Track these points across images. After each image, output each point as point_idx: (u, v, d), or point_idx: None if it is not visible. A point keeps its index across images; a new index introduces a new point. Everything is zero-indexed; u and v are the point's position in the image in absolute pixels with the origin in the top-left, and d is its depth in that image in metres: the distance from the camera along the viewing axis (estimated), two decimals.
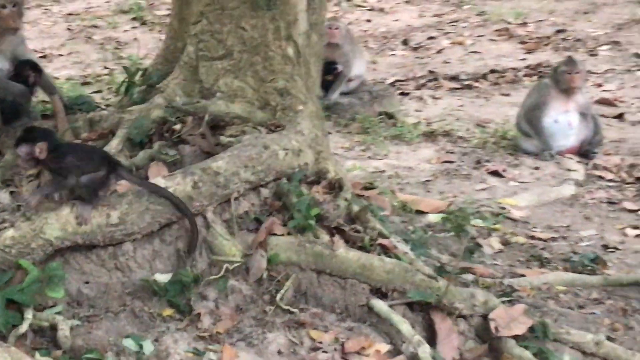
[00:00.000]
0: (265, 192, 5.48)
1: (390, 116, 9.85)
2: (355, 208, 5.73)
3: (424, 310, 5.17)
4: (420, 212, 7.34)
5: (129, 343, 4.70)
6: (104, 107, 6.88)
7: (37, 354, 4.53)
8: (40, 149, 4.84)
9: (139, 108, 6.04)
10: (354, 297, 5.13)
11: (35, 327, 4.71)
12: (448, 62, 12.77)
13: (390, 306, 5.08)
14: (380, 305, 5.05)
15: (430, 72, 12.15)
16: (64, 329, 4.64)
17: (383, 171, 8.49)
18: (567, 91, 8.80)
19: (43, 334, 4.74)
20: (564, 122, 8.90)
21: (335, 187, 5.85)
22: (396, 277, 5.11)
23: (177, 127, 5.90)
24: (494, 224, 7.17)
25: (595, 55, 12.62)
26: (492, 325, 5.06)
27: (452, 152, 8.99)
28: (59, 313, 4.80)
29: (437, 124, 9.82)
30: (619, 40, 13.25)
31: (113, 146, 5.80)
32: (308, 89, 6.12)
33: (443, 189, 8.09)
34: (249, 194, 5.43)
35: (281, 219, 5.39)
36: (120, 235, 4.97)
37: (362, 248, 5.38)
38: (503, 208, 7.59)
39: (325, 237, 5.32)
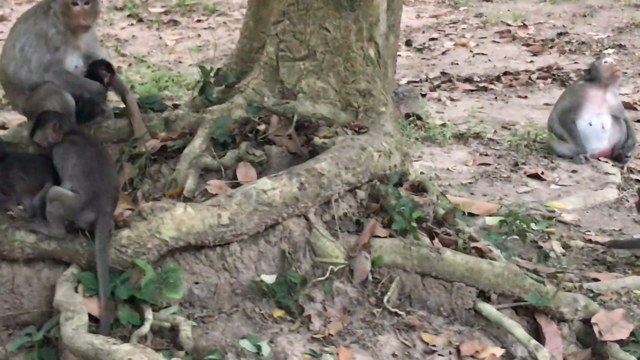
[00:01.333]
0: (361, 193, 5.49)
1: (418, 117, 9.85)
2: (441, 210, 5.74)
3: (527, 314, 5.19)
4: (472, 215, 7.34)
5: (246, 344, 4.69)
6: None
7: (161, 355, 4.47)
8: None
9: (219, 108, 5.99)
10: (461, 300, 5.15)
11: (155, 328, 4.65)
12: (456, 64, 12.83)
13: (497, 310, 5.09)
14: (488, 309, 5.07)
15: (443, 73, 12.19)
16: (186, 330, 4.61)
17: (421, 173, 8.47)
18: (608, 82, 8.90)
19: (162, 335, 4.69)
20: (597, 124, 9.00)
21: (419, 189, 5.87)
22: (505, 281, 5.13)
23: (262, 127, 5.85)
24: (547, 227, 7.19)
25: None
26: (595, 329, 5.11)
27: (486, 155, 9.02)
28: (173, 313, 4.75)
29: (464, 126, 9.83)
30: (624, 44, 13.39)
31: (196, 146, 5.77)
32: (386, 90, 6.13)
33: (486, 191, 8.13)
34: (346, 195, 5.43)
35: (380, 220, 5.38)
36: (230, 235, 4.95)
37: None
38: (552, 211, 7.62)
39: (425, 239, 5.32)
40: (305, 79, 5.96)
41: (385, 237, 5.26)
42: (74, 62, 6.08)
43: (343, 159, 5.30)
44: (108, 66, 6.21)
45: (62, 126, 5.09)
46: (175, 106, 6.65)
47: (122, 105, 6.38)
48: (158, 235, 4.77)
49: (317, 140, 5.62)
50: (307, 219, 5.22)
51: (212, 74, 6.40)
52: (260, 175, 5.62)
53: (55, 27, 5.95)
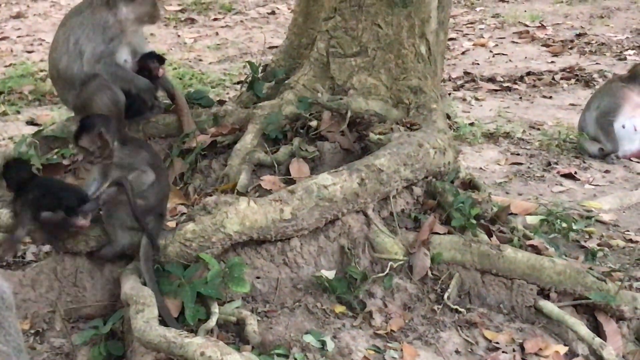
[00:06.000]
0: (417, 190, 5.47)
1: (447, 116, 9.81)
2: (493, 208, 5.72)
3: (587, 312, 5.18)
4: (510, 214, 7.31)
5: (310, 339, 4.66)
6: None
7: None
8: None
9: (269, 104, 5.98)
10: (521, 297, 5.13)
11: (221, 322, 4.63)
12: (477, 64, 12.80)
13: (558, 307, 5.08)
14: (550, 306, 5.05)
15: (466, 73, 12.16)
16: (252, 324, 4.58)
17: None
18: None
19: (227, 329, 4.67)
20: (630, 127, 9.00)
21: (470, 186, 5.85)
22: (567, 279, 5.12)
23: (313, 123, 5.83)
24: (586, 227, 7.18)
25: (624, 59, 12.71)
26: None
27: (517, 154, 9.00)
28: (238, 308, 4.74)
29: (492, 126, 9.81)
30: None
31: (248, 141, 5.76)
32: (436, 87, 6.12)
33: (521, 190, 8.11)
34: (403, 192, 5.41)
35: (437, 217, 5.36)
36: (291, 230, 4.94)
37: None
38: (589, 211, 7.59)
39: (484, 236, 5.31)
40: (357, 75, 5.94)
41: (444, 233, 5.24)
42: (123, 56, 6.08)
43: (401, 155, 5.28)
44: (159, 58, 6.20)
45: (110, 133, 4.80)
46: (221, 102, 6.62)
47: (169, 101, 6.34)
48: (222, 230, 4.76)
49: (373, 136, 5.59)
50: (365, 214, 5.20)
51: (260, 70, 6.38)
52: (312, 171, 5.61)
53: (115, 16, 5.95)
